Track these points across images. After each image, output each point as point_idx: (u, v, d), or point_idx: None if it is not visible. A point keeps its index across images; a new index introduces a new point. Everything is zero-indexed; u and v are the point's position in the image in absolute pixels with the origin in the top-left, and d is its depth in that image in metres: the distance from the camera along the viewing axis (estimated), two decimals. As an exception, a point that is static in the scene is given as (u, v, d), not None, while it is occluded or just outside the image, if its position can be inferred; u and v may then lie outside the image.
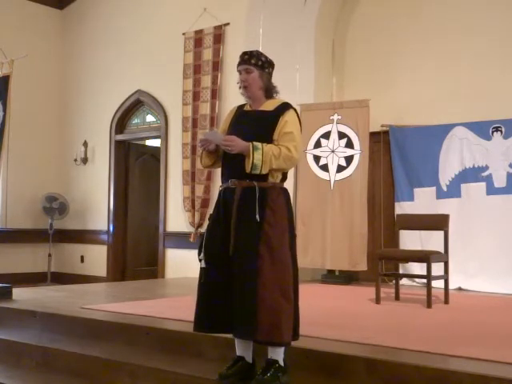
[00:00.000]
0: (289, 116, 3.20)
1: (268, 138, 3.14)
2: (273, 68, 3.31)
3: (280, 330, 3.00)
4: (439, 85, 7.20)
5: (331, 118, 7.25)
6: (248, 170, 3.07)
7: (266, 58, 3.27)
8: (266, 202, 3.11)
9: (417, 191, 7.16)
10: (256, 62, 3.22)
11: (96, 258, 9.54)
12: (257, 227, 3.06)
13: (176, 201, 8.70)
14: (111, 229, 9.44)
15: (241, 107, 3.38)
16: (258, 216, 3.06)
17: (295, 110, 3.27)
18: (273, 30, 7.59)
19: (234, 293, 3.07)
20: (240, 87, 3.30)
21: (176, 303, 5.21)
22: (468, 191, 6.85)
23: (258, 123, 3.21)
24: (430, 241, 6.57)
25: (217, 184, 7.71)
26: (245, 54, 3.26)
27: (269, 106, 3.26)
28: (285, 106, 3.24)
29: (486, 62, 6.93)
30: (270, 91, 3.29)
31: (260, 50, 3.37)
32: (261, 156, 3.06)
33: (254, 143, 3.08)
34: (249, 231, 3.07)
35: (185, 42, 8.64)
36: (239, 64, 3.27)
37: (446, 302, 5.42)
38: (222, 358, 3.44)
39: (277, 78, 3.36)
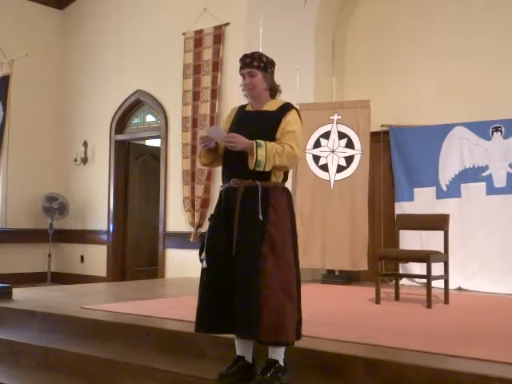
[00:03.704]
0: (291, 116, 3.21)
1: (270, 137, 3.14)
2: (274, 67, 3.31)
3: (284, 330, 3.00)
4: (439, 85, 7.20)
5: (331, 117, 7.25)
6: (251, 166, 3.07)
7: (267, 58, 3.27)
8: (269, 201, 3.11)
9: (417, 191, 7.17)
10: (258, 64, 3.22)
11: (96, 257, 9.54)
12: (260, 227, 3.06)
13: (176, 201, 8.69)
14: (111, 229, 9.43)
15: (242, 107, 3.39)
16: (260, 215, 3.07)
17: (297, 110, 3.28)
18: (273, 30, 7.58)
19: (236, 293, 3.06)
20: (243, 90, 3.30)
21: (176, 303, 5.21)
22: (468, 191, 6.85)
23: (260, 123, 3.22)
24: (430, 241, 6.57)
25: (217, 184, 7.72)
26: (246, 57, 3.26)
27: (271, 106, 3.26)
28: (287, 107, 3.25)
29: (486, 62, 6.94)
30: (274, 90, 3.30)
31: (260, 50, 3.38)
32: (264, 153, 3.06)
33: (258, 141, 3.08)
34: (251, 231, 3.07)
35: (185, 42, 8.64)
36: (242, 68, 3.27)
37: (446, 302, 5.42)
38: (222, 358, 3.44)
39: (277, 78, 3.36)
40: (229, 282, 3.09)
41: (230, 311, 3.07)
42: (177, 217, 8.69)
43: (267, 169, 3.09)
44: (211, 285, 3.13)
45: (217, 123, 7.98)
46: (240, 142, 3.10)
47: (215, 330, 3.23)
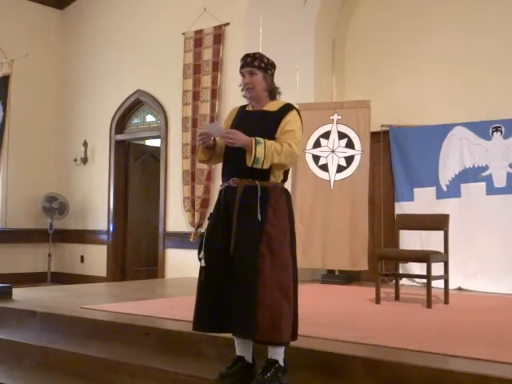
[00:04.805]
0: (291, 116, 3.22)
1: (270, 137, 3.15)
2: (275, 69, 3.32)
3: (279, 330, 3.00)
4: (439, 85, 7.20)
5: (331, 117, 7.25)
6: (250, 163, 3.07)
7: (267, 59, 3.28)
8: (268, 201, 3.12)
9: (417, 191, 7.16)
10: (259, 64, 3.23)
11: (96, 257, 9.54)
12: (258, 226, 3.07)
13: (176, 201, 8.69)
14: (111, 229, 9.43)
15: (243, 107, 3.39)
16: (259, 215, 3.07)
17: (298, 110, 3.28)
18: (273, 29, 7.58)
19: (233, 292, 3.07)
20: (243, 89, 3.30)
21: (176, 303, 5.21)
22: (468, 191, 6.85)
23: (261, 122, 3.22)
24: (430, 241, 6.57)
25: (217, 184, 7.71)
26: (247, 56, 3.26)
27: (272, 106, 3.27)
28: (288, 107, 3.25)
29: (486, 62, 6.93)
30: (273, 92, 3.31)
31: (260, 50, 3.39)
32: (263, 150, 3.06)
33: (257, 138, 3.09)
34: (250, 230, 3.07)
35: (185, 42, 8.64)
36: (242, 67, 3.27)
37: (446, 302, 5.42)
38: (222, 358, 3.43)
39: (277, 78, 3.36)
40: (227, 281, 3.09)
41: (228, 310, 3.08)
42: (177, 217, 8.70)
43: (265, 166, 3.09)
44: (209, 283, 3.14)
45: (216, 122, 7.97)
46: (239, 138, 3.10)
47: (213, 329, 3.23)
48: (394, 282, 5.93)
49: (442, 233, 5.61)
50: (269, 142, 3.10)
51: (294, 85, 7.17)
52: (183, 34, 8.66)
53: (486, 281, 6.49)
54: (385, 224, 7.31)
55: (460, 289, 6.60)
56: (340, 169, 7.16)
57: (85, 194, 9.78)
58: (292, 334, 3.10)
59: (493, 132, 6.76)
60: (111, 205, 9.44)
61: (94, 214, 9.65)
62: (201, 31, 8.50)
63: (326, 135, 7.25)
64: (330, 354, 3.30)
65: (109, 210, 9.46)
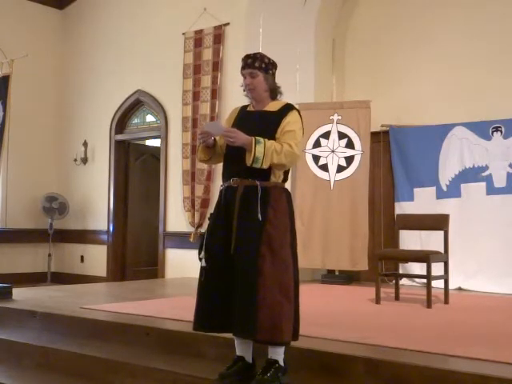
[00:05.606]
0: (291, 117, 3.22)
1: (271, 137, 3.15)
2: (276, 69, 3.32)
3: (280, 330, 3.00)
4: (439, 85, 7.20)
5: (331, 117, 7.25)
6: (249, 163, 3.07)
7: (269, 59, 3.28)
8: (268, 201, 3.12)
9: (417, 191, 7.16)
10: (260, 65, 3.22)
11: (96, 257, 9.54)
12: (259, 226, 3.07)
13: (176, 201, 8.70)
14: (111, 229, 9.43)
15: (244, 107, 3.39)
16: (260, 215, 3.07)
17: (298, 111, 3.28)
18: (273, 29, 7.58)
19: (234, 292, 3.07)
20: (244, 90, 3.30)
21: (176, 303, 5.21)
22: (468, 191, 6.85)
23: (261, 123, 3.22)
24: (430, 241, 6.57)
25: (217, 184, 7.72)
26: (248, 57, 3.26)
27: (272, 107, 3.27)
28: (288, 108, 3.25)
29: (486, 62, 6.93)
30: (274, 92, 3.31)
31: (260, 50, 3.38)
32: (263, 149, 3.06)
33: (257, 137, 3.09)
34: (250, 230, 3.07)
35: (185, 42, 8.64)
36: (243, 68, 3.27)
37: (446, 302, 5.42)
38: (222, 358, 3.44)
39: (277, 78, 3.36)
40: (227, 281, 3.09)
41: (228, 310, 3.08)
42: (177, 217, 8.70)
43: (264, 166, 3.09)
44: (210, 284, 3.14)
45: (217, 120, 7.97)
46: (239, 137, 3.10)
47: (213, 329, 3.23)
48: (394, 282, 5.94)
49: (441, 233, 5.61)
50: (269, 142, 3.10)
51: (294, 85, 7.17)
52: (183, 34, 8.66)
53: (486, 281, 6.49)
54: (385, 224, 7.31)
55: (460, 289, 6.60)
56: (340, 169, 7.16)
57: (85, 194, 9.78)
58: (293, 334, 3.10)
59: (493, 132, 6.76)
60: (111, 205, 9.44)
61: (94, 214, 9.65)
62: (201, 31, 8.50)
63: (326, 135, 7.25)
64: (329, 354, 3.31)
65: (109, 210, 9.46)
